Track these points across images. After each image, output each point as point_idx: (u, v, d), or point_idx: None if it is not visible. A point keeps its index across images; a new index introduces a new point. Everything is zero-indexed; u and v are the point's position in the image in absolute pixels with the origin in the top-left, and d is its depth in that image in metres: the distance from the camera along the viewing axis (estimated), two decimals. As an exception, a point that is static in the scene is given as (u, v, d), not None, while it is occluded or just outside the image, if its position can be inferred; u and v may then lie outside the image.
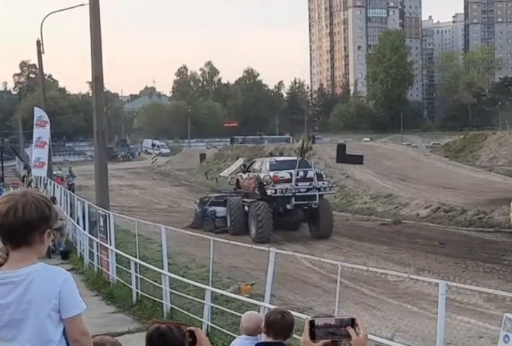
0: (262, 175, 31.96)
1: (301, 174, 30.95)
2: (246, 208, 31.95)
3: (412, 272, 21.29)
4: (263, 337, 5.82)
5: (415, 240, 29.98)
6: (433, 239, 29.83)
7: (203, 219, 34.21)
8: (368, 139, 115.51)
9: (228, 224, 32.64)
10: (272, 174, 31.21)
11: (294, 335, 10.33)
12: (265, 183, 31.46)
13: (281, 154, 38.38)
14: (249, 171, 34.28)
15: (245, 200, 32.75)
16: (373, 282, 20.70)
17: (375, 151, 61.35)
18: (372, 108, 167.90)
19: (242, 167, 37.63)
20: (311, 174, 31.03)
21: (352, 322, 3.13)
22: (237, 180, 35.97)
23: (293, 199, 30.44)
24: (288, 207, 30.70)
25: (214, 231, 31.65)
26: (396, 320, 15.83)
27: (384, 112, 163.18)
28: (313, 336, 3.13)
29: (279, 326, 5.53)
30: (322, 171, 34.33)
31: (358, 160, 54.36)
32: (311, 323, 3.14)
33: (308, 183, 30.82)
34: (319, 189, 30.96)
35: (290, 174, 30.73)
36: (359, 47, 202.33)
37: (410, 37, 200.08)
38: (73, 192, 25.27)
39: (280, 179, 30.98)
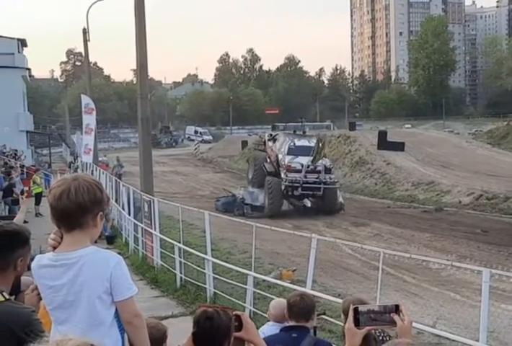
0: (280, 156, 36.43)
1: (311, 166, 34.75)
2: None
3: (453, 259, 21.24)
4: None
5: (457, 227, 29.86)
6: (476, 227, 29.69)
7: (234, 205, 35.87)
8: (409, 126, 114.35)
9: (250, 176, 38.24)
10: (287, 160, 35.42)
11: (335, 320, 10.46)
12: (280, 164, 36.13)
13: (304, 132, 41.34)
14: (275, 141, 38.66)
15: (265, 164, 38.09)
16: (414, 269, 20.70)
17: (416, 138, 60.83)
18: (414, 94, 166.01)
19: (269, 135, 41.35)
20: (320, 167, 34.84)
21: (397, 309, 3.14)
22: (265, 142, 41.08)
23: (299, 188, 34.46)
24: (295, 193, 34.90)
25: (246, 216, 32.54)
26: (438, 308, 15.84)
27: (425, 99, 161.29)
28: (357, 323, 3.15)
29: (298, 308, 5.68)
30: (331, 165, 37.49)
31: (399, 147, 54.08)
32: (355, 310, 3.17)
33: (316, 175, 34.66)
34: (324, 183, 34.62)
35: (302, 166, 34.64)
36: (401, 33, 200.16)
37: (453, 23, 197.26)
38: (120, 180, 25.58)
39: (292, 169, 34.99)
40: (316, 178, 34.52)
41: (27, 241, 4.02)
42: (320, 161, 34.84)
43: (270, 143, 39.00)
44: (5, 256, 3.88)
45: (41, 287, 3.70)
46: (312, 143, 36.11)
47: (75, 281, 3.55)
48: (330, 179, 35.18)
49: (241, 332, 3.77)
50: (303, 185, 34.28)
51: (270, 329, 6.49)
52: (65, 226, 3.61)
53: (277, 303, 6.87)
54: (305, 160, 34.63)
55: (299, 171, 34.57)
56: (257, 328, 4.00)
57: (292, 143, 36.77)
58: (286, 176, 34.62)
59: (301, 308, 5.67)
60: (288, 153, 35.93)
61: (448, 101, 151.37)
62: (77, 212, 3.53)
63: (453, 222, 31.59)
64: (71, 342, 1.90)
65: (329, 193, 34.72)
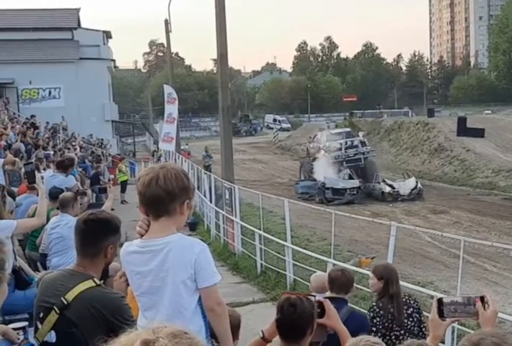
0: (321, 145, 41.91)
1: (349, 143, 40.58)
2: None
3: (535, 248, 20.95)
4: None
5: (539, 215, 29.36)
6: (558, 214, 29.16)
7: (313, 189, 36.76)
8: (489, 112, 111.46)
9: (302, 177, 42.13)
10: (328, 144, 40.99)
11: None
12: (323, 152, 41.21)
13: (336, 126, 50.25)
14: (313, 142, 44.59)
15: (312, 163, 41.87)
16: (495, 257, 20.52)
17: (497, 124, 59.46)
18: (494, 80, 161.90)
19: (309, 138, 48.46)
20: (356, 142, 40.96)
21: (482, 300, 3.17)
22: (307, 148, 46.18)
23: (344, 162, 39.39)
24: (341, 169, 39.13)
25: (325, 203, 32.79)
26: (521, 296, 15.76)
27: (506, 84, 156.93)
28: (441, 315, 3.22)
29: (340, 282, 6.36)
30: (365, 139, 43.81)
31: (479, 133, 53.12)
32: (440, 301, 3.24)
33: (354, 149, 40.28)
34: (363, 154, 40.31)
35: (341, 144, 40.27)
36: (480, 18, 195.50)
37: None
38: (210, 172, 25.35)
39: (332, 149, 40.37)
40: (356, 151, 40.13)
41: (118, 229, 4.19)
42: (355, 139, 41.65)
43: (311, 145, 44.87)
44: (96, 243, 4.06)
45: (129, 273, 3.86)
46: (343, 130, 44.87)
47: (161, 267, 3.69)
48: (367, 149, 41.15)
49: (324, 319, 3.90)
50: (346, 159, 39.68)
51: None
52: (153, 213, 3.74)
53: (318, 277, 7.65)
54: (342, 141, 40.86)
55: (339, 149, 40.15)
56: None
57: (328, 133, 44.14)
58: (330, 154, 40.03)
59: (342, 282, 6.35)
60: (327, 140, 41.85)
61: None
62: (165, 198, 3.65)
63: (535, 210, 31.06)
64: (166, 329, 2.04)
65: (367, 164, 40.19)
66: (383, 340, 5.76)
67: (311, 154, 43.94)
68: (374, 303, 6.77)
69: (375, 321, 6.61)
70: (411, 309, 6.76)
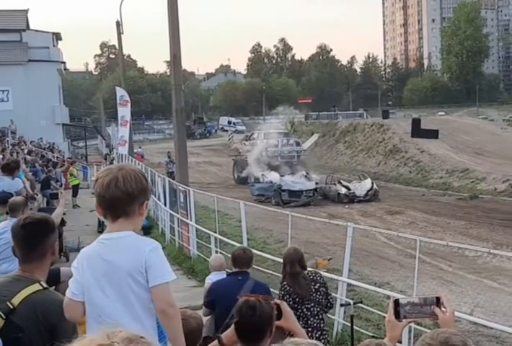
0: (258, 142, 46.29)
1: (285, 141, 45.85)
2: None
3: (490, 247, 21.19)
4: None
5: (493, 215, 29.67)
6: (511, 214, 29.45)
7: (269, 191, 36.66)
8: (443, 113, 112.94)
9: (236, 176, 46.47)
10: (265, 141, 45.58)
11: (372, 309, 10.56)
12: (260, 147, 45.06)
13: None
14: (250, 140, 48.86)
15: (247, 160, 44.78)
16: (450, 257, 20.64)
17: (450, 125, 60.20)
18: (447, 81, 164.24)
19: (245, 136, 53.82)
20: (292, 141, 46.42)
21: (438, 301, 3.12)
22: (243, 145, 49.74)
23: (279, 157, 43.75)
24: (276, 163, 42.91)
25: (282, 205, 32.76)
26: (475, 295, 15.81)
27: (459, 86, 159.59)
28: (398, 315, 3.16)
29: (242, 258, 7.36)
30: (300, 140, 50.10)
31: (433, 134, 53.38)
32: (396, 302, 3.17)
33: (289, 147, 45.36)
34: (297, 152, 45.50)
35: (278, 142, 45.29)
36: (433, 20, 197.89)
37: (486, 9, 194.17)
38: (173, 180, 24.45)
39: (270, 145, 44.79)
40: (290, 149, 45.08)
41: (55, 226, 4.18)
42: (292, 138, 47.17)
43: (247, 143, 48.83)
44: (43, 242, 3.97)
45: (81, 269, 3.67)
46: (280, 130, 49.31)
47: (111, 262, 3.59)
48: (300, 149, 46.48)
49: (281, 321, 3.79)
50: (281, 155, 44.07)
51: (215, 276, 8.83)
52: (111, 215, 3.66)
53: (216, 258, 9.92)
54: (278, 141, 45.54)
55: (276, 145, 44.80)
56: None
57: (266, 132, 48.19)
58: (267, 150, 44.19)
59: (244, 259, 7.37)
60: (264, 138, 46.31)
61: (482, 88, 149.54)
62: (125, 200, 3.58)
63: (489, 209, 31.38)
64: (121, 333, 1.94)
65: (299, 162, 44.01)
66: (295, 314, 6.92)
67: (246, 151, 47.16)
68: (285, 282, 7.76)
69: (285, 298, 7.54)
70: (318, 284, 7.86)
